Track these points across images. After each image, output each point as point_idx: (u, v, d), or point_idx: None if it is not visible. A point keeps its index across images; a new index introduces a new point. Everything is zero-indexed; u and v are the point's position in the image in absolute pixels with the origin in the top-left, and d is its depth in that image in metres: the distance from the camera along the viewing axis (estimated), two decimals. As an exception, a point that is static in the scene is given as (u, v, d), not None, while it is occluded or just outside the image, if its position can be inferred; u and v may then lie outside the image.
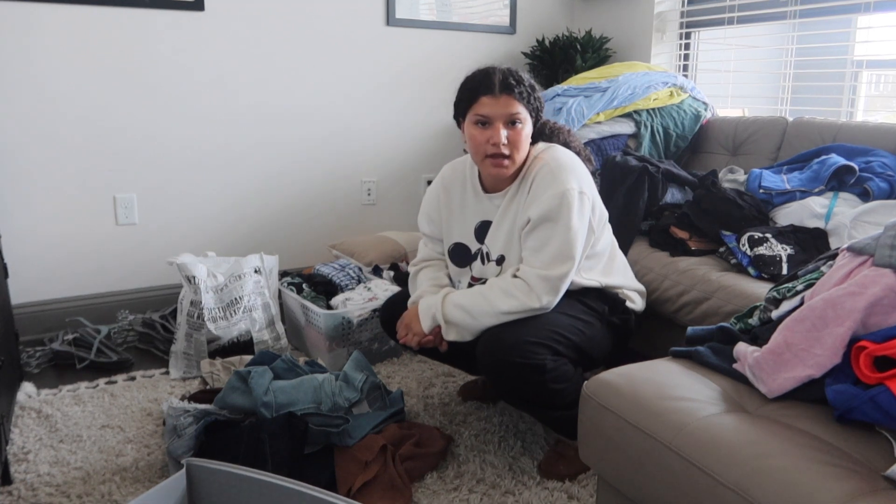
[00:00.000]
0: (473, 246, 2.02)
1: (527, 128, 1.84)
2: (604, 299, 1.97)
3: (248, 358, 2.46)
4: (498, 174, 1.85)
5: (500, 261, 1.94)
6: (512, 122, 1.80)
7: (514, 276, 1.83)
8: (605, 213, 1.98)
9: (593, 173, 1.96)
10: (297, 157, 3.39)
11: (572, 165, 1.86)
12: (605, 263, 2.00)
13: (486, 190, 1.98)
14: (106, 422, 2.24)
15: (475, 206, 2.00)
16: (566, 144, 1.98)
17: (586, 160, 1.98)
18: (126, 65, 2.94)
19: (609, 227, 2.04)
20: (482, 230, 1.99)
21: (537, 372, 1.73)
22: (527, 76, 1.85)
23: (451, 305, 1.87)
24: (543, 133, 1.98)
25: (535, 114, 1.86)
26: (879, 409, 1.17)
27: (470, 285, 2.03)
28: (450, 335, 1.87)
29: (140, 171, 3.06)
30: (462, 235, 2.04)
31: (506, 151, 1.81)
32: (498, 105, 1.79)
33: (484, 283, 1.95)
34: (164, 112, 3.05)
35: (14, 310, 2.70)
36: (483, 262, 1.99)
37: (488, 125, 1.81)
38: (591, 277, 1.95)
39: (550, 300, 1.80)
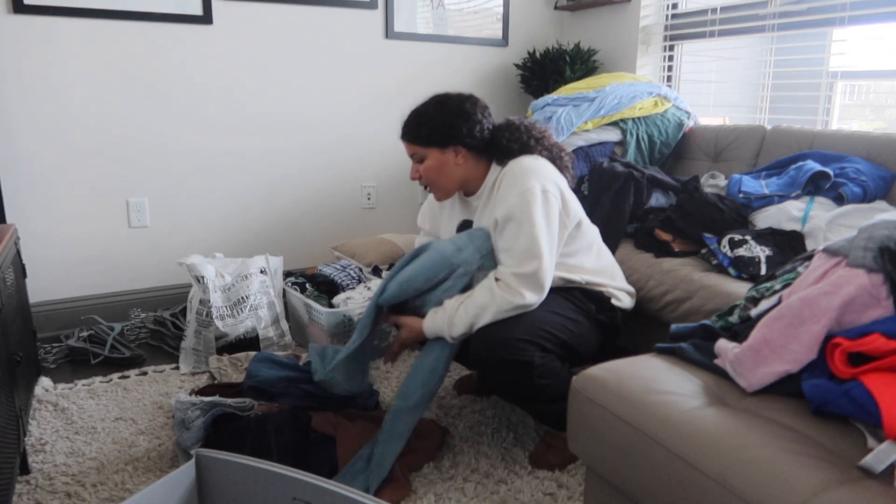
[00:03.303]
0: None
1: (432, 160, 1.92)
2: (590, 297, 1.96)
3: (254, 354, 2.45)
4: (437, 200, 2.04)
5: None
6: (418, 160, 1.96)
7: (496, 278, 1.83)
8: (579, 209, 1.96)
9: (581, 178, 1.96)
10: (300, 164, 3.39)
11: (535, 168, 1.87)
12: (591, 262, 2.00)
13: (466, 195, 2.05)
14: (119, 414, 2.23)
15: (460, 209, 2.09)
16: (549, 149, 1.98)
17: (563, 168, 1.99)
18: (139, 75, 2.94)
19: (595, 227, 2.05)
20: (464, 229, 2.04)
21: (526, 368, 1.74)
22: (430, 114, 1.92)
23: (458, 327, 1.83)
24: (528, 144, 1.96)
25: (443, 143, 1.91)
26: (853, 403, 1.17)
27: None
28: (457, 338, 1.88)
29: (152, 176, 3.05)
30: (447, 233, 2.12)
31: (423, 183, 1.97)
32: (406, 148, 1.97)
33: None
34: (175, 120, 3.05)
35: (32, 308, 2.69)
36: None
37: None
38: (574, 274, 1.95)
39: (535, 296, 1.79)
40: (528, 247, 1.79)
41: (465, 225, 2.04)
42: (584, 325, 1.91)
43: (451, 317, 1.83)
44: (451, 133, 1.90)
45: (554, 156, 1.98)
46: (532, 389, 1.77)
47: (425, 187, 1.99)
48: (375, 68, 3.48)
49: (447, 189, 1.98)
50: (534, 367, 1.74)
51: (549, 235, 1.82)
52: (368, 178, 3.60)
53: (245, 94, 3.19)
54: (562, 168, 1.98)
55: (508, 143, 1.93)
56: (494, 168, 1.96)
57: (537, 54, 3.69)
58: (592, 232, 2.03)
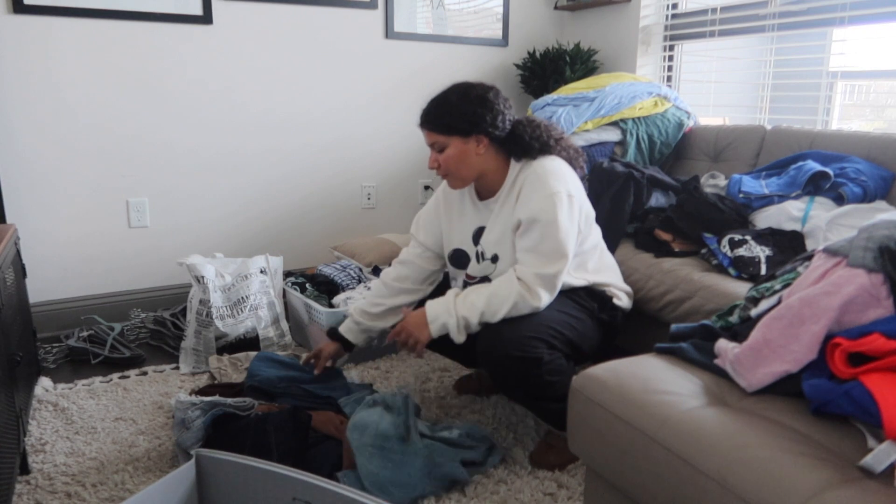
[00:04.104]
0: (471, 250, 2.03)
1: (453, 150, 1.88)
2: (592, 297, 1.97)
3: (254, 354, 2.45)
4: (452, 188, 1.99)
5: (495, 259, 1.96)
6: (438, 149, 1.90)
7: (515, 277, 1.82)
8: (592, 214, 1.99)
9: (582, 178, 1.97)
10: (300, 163, 3.39)
11: (560, 171, 1.88)
12: (593, 263, 2.01)
13: (480, 197, 2.01)
14: (119, 414, 2.23)
15: (473, 214, 2.03)
16: (566, 150, 1.99)
17: (578, 169, 2.00)
18: (139, 75, 2.94)
19: (597, 228, 2.05)
20: (479, 235, 2.01)
21: (534, 365, 1.74)
22: (453, 101, 1.87)
23: (468, 308, 1.83)
24: (548, 144, 1.96)
25: (466, 132, 1.86)
26: (853, 403, 1.17)
27: (465, 283, 2.05)
28: (460, 338, 1.84)
29: (152, 176, 3.05)
30: (461, 242, 2.06)
31: (442, 172, 1.93)
32: (425, 136, 1.92)
33: (478, 281, 1.97)
34: (175, 120, 3.05)
35: (32, 308, 2.69)
36: (479, 261, 2.00)
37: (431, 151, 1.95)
38: (579, 276, 1.96)
39: (548, 299, 1.81)
40: (554, 248, 1.80)
41: (479, 232, 2.01)
42: (588, 324, 1.92)
43: (464, 298, 1.83)
44: (474, 122, 1.87)
45: (570, 157, 1.99)
46: (540, 386, 1.78)
47: (444, 177, 1.95)
48: (375, 68, 3.48)
49: (465, 179, 1.94)
50: (542, 364, 1.75)
51: (572, 238, 1.83)
52: (368, 178, 3.60)
53: (245, 94, 3.19)
54: (576, 169, 1.99)
55: (530, 139, 1.92)
56: (514, 165, 1.93)
57: (537, 54, 3.69)
58: (597, 233, 2.05)
